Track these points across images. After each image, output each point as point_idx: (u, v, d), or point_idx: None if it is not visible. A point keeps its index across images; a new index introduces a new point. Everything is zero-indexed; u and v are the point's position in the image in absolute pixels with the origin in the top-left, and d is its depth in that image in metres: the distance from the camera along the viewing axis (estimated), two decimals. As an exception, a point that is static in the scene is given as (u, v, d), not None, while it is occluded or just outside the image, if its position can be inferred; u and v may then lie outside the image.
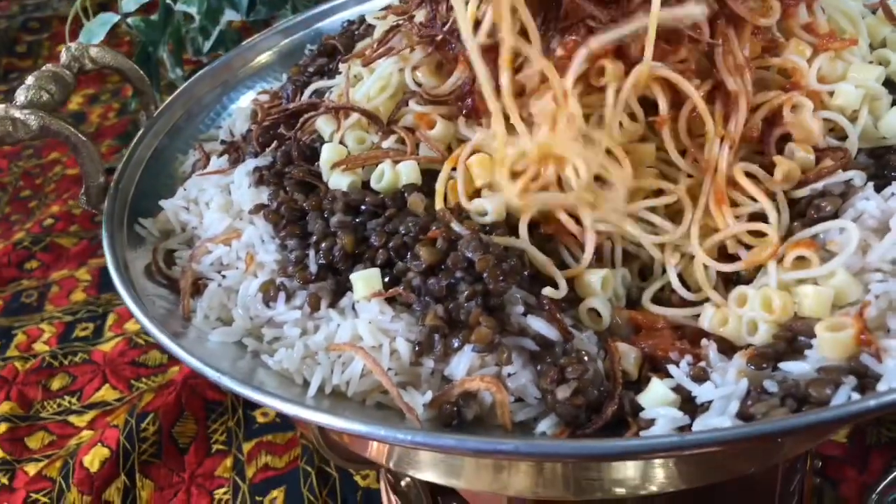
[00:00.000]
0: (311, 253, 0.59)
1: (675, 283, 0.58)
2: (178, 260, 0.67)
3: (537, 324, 0.52)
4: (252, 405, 1.07)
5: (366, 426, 0.44)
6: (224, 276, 0.62)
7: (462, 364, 0.51)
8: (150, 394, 1.05)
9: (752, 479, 0.76)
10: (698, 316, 0.56)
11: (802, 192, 0.60)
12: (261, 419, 1.05)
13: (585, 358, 0.51)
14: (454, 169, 0.62)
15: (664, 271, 0.59)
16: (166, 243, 0.69)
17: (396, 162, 0.64)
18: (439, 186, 0.62)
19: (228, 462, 0.99)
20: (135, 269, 0.64)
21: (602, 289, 0.57)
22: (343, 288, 0.58)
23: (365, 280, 0.56)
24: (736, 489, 0.70)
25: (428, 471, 0.54)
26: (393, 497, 0.85)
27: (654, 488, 0.51)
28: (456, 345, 0.52)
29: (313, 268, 0.59)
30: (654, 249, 0.59)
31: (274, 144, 0.72)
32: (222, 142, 0.79)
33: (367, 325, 0.54)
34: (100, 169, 0.69)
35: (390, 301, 0.55)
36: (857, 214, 0.56)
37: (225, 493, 0.95)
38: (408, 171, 0.63)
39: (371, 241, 0.58)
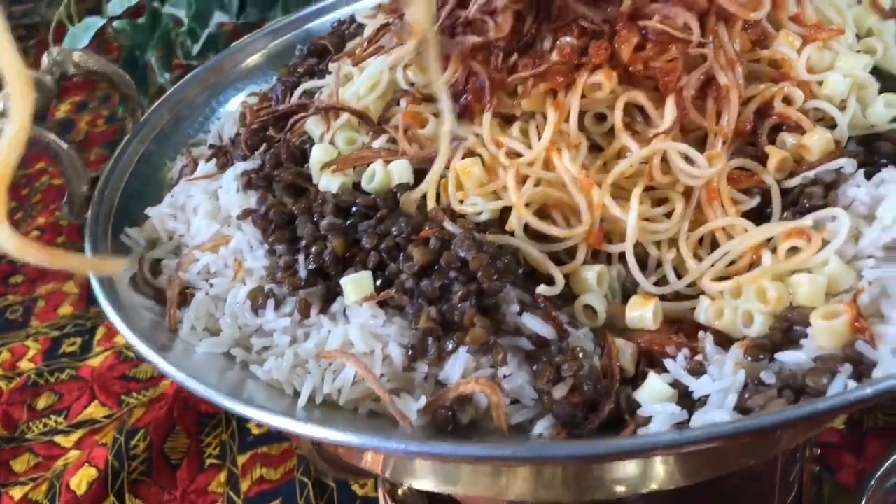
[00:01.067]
0: (301, 258, 0.58)
1: (672, 278, 0.58)
2: (164, 269, 0.66)
3: (533, 322, 0.51)
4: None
5: (357, 437, 0.43)
6: (212, 285, 0.61)
7: (457, 367, 0.50)
8: (141, 409, 1.03)
9: (752, 470, 0.75)
10: (694, 309, 0.55)
11: (794, 182, 0.59)
12: (256, 430, 1.04)
13: (581, 355, 0.50)
14: (447, 168, 0.62)
15: (659, 265, 0.59)
16: (153, 252, 0.68)
17: (388, 161, 0.63)
18: (431, 186, 0.61)
19: (222, 476, 0.98)
20: (120, 281, 0.63)
21: (598, 285, 0.56)
22: (334, 293, 0.57)
23: (355, 284, 0.55)
24: (737, 481, 0.70)
25: (425, 479, 0.53)
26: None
27: (654, 486, 0.50)
28: (450, 347, 0.51)
29: (303, 273, 0.58)
30: (651, 245, 0.59)
31: (263, 147, 0.71)
32: (211, 146, 0.78)
33: (358, 331, 0.53)
34: (83, 178, 0.68)
35: (382, 304, 0.54)
36: (848, 202, 0.56)
37: (220, 508, 0.94)
38: (400, 171, 0.62)
39: (362, 244, 0.57)
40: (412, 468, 0.53)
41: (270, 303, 0.57)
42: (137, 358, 1.15)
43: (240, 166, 0.68)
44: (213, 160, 0.74)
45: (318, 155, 0.65)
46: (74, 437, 1.04)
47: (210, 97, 0.87)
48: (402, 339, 0.52)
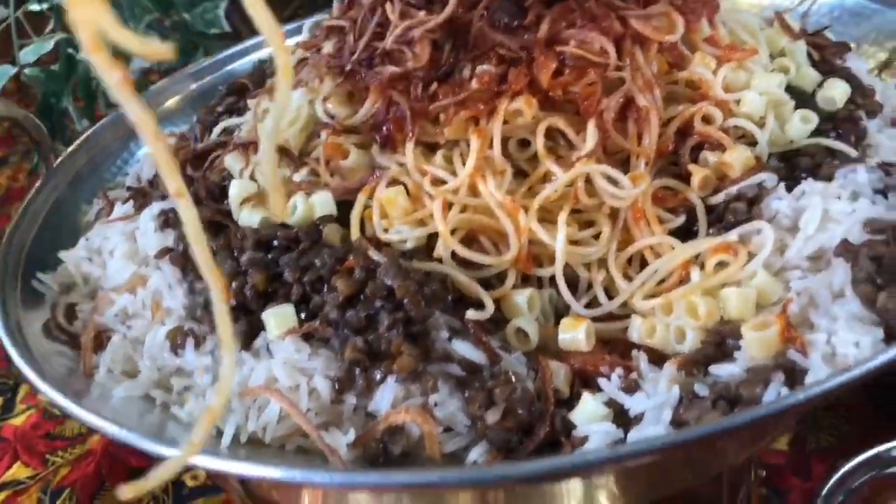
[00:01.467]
0: (222, 294, 0.56)
1: (602, 299, 0.57)
2: (80, 314, 0.63)
3: (463, 348, 0.50)
4: (181, 468, 1.00)
5: (282, 471, 0.41)
6: (129, 327, 0.58)
7: (386, 397, 0.48)
8: (67, 467, 0.98)
9: (698, 494, 0.75)
10: (626, 329, 0.55)
11: (718, 198, 0.60)
12: (190, 482, 0.98)
13: (513, 378, 0.49)
14: (370, 198, 0.61)
15: (589, 286, 0.58)
16: (67, 297, 0.64)
17: (309, 193, 0.61)
18: (355, 217, 0.60)
19: (155, 534, 0.92)
20: (31, 329, 0.60)
21: (529, 309, 0.55)
22: (256, 328, 0.55)
23: (278, 317, 0.53)
24: None
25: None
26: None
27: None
28: (378, 377, 0.49)
29: (224, 310, 0.55)
30: (580, 267, 0.59)
31: (181, 187, 0.69)
32: (128, 188, 0.76)
33: (282, 365, 0.50)
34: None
35: (307, 338, 0.52)
36: (771, 215, 0.57)
37: (152, 568, 0.89)
38: (322, 203, 0.61)
39: (284, 277, 0.56)
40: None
41: (190, 342, 0.54)
42: (62, 415, 1.10)
43: (157, 206, 0.66)
44: (130, 202, 0.71)
45: (236, 190, 0.63)
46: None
47: (128, 141, 0.84)
48: (328, 371, 0.50)
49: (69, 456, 1.03)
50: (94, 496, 0.96)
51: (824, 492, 0.73)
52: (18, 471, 1.04)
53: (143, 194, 0.72)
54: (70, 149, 0.81)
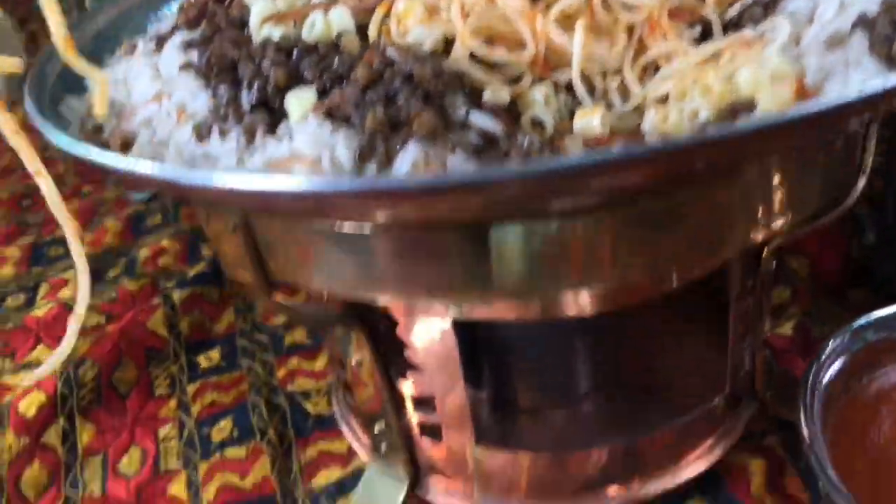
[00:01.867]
0: (244, 93, 0.57)
1: (616, 103, 0.58)
2: (106, 130, 0.64)
3: (480, 119, 0.51)
4: (195, 350, 1.03)
5: (299, 181, 0.41)
6: (154, 131, 0.60)
7: (406, 161, 0.49)
8: (86, 346, 1.00)
9: (703, 358, 0.76)
10: (640, 125, 0.56)
11: (734, 10, 0.60)
12: (205, 363, 1.01)
13: (529, 147, 0.49)
14: (387, 16, 0.62)
15: (605, 95, 0.59)
16: (94, 120, 0.65)
17: (328, 13, 0.62)
18: (373, 29, 0.61)
19: (172, 403, 0.95)
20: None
21: (545, 105, 0.56)
22: (278, 120, 0.56)
23: (300, 99, 0.54)
24: (687, 366, 0.71)
25: (387, 286, 0.52)
26: (347, 399, 0.83)
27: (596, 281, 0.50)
28: (398, 146, 0.50)
29: (246, 106, 0.56)
30: (596, 77, 0.59)
31: (203, 25, 0.70)
32: (150, 38, 0.77)
33: (305, 139, 0.51)
34: (20, 50, 0.66)
35: (329, 117, 0.53)
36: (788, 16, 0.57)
37: (170, 429, 0.91)
38: (340, 19, 0.61)
39: (304, 76, 0.57)
40: (360, 265, 0.52)
41: (215, 131, 0.55)
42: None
43: (178, 37, 0.67)
44: (152, 43, 0.72)
45: (259, 9, 0.64)
46: (22, 375, 1.01)
47: (147, 8, 0.86)
48: (350, 143, 0.51)
49: (89, 340, 1.06)
50: (115, 368, 0.98)
51: (836, 334, 0.74)
52: (41, 352, 1.06)
53: (164, 39, 0.73)
54: (89, 12, 0.82)
